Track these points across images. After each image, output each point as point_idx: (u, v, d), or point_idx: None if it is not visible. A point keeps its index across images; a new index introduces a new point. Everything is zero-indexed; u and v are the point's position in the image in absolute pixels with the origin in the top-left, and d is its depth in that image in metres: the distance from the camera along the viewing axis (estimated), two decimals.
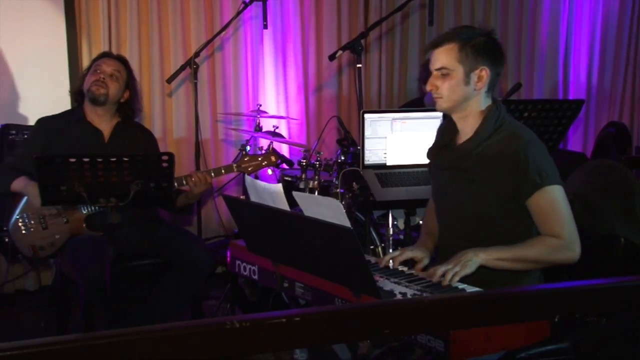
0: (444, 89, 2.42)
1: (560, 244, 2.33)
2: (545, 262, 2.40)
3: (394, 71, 5.47)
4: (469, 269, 2.23)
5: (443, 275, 2.21)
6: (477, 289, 2.17)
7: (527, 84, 5.73)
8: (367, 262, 2.34)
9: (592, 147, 5.63)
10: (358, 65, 3.86)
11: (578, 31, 5.87)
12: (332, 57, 3.95)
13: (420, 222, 3.79)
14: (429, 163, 2.72)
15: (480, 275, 2.27)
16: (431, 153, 2.68)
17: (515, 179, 2.34)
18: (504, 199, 2.39)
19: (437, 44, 2.44)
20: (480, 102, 2.45)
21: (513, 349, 2.11)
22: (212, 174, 3.51)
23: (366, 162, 3.56)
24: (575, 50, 5.90)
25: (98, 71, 3.55)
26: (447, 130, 2.61)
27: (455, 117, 2.51)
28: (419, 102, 4.61)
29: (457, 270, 2.21)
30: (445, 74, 2.40)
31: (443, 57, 2.41)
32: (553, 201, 2.35)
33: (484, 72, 2.40)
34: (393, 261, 2.46)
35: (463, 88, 2.40)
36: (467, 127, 2.48)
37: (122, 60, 3.70)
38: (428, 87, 2.48)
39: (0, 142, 4.25)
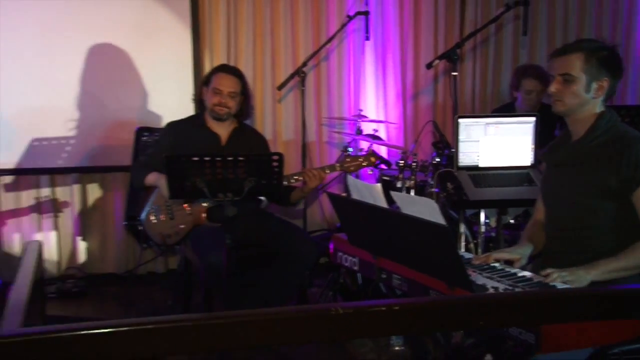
0: (564, 94, 2.41)
1: None
2: None
3: (487, 78, 5.33)
4: (580, 284, 2.17)
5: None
6: (568, 286, 2.10)
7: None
8: (461, 257, 2.29)
9: None
10: (453, 73, 3.79)
11: None
12: (429, 66, 3.90)
13: (512, 221, 3.69)
14: (540, 166, 2.70)
15: None
16: (545, 154, 2.70)
17: (623, 174, 2.31)
18: (611, 193, 2.36)
19: (564, 51, 2.44)
20: (596, 108, 2.44)
21: (605, 345, 2.01)
22: (327, 171, 3.53)
23: (460, 164, 3.48)
24: None
25: (218, 93, 3.59)
26: (562, 132, 2.62)
27: (569, 119, 2.50)
28: (510, 107, 4.48)
29: (571, 279, 2.16)
30: (568, 79, 2.40)
31: (569, 64, 2.40)
32: None
33: (605, 83, 2.39)
34: (487, 258, 2.41)
35: (583, 95, 2.39)
36: (580, 129, 2.47)
37: (237, 74, 3.70)
38: (550, 90, 2.46)
39: (136, 143, 4.36)
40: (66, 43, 4.48)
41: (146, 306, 4.32)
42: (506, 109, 4.50)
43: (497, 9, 4.89)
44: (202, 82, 3.75)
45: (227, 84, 3.61)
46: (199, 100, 3.76)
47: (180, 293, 3.99)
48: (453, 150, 3.56)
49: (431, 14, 5.12)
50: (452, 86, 3.80)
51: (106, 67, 4.57)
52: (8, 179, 4.55)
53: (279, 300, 3.51)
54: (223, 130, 3.69)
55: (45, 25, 4.44)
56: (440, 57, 3.86)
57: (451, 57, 3.76)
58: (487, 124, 3.46)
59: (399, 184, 3.88)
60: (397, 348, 3.42)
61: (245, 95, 3.71)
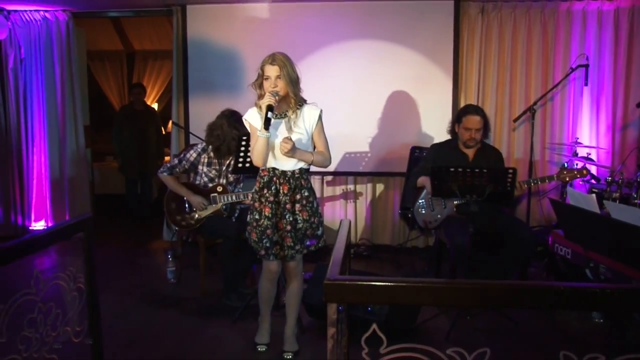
0: None
1: None
2: None
3: None
4: None
5: None
6: None
7: None
8: None
9: None
10: None
11: None
12: (639, 105, 3.49)
13: None
14: None
15: None
16: None
17: None
18: None
19: None
20: None
21: None
22: (539, 181, 3.35)
23: None
24: None
25: (468, 130, 3.48)
26: None
27: None
28: None
29: None
30: None
31: None
32: None
33: None
34: None
35: None
36: None
37: (480, 113, 3.52)
38: None
39: (410, 156, 4.49)
40: (371, 90, 4.77)
41: (410, 270, 4.34)
42: None
43: None
44: (454, 119, 3.68)
45: (474, 122, 3.49)
46: (452, 131, 3.78)
47: (434, 263, 3.96)
48: None
49: None
50: None
51: (394, 105, 4.76)
52: (329, 177, 4.92)
53: (506, 275, 3.39)
54: (470, 151, 3.68)
55: (359, 78, 4.78)
56: None
57: None
58: None
59: (605, 196, 3.54)
60: (596, 320, 3.16)
61: (486, 126, 3.61)
